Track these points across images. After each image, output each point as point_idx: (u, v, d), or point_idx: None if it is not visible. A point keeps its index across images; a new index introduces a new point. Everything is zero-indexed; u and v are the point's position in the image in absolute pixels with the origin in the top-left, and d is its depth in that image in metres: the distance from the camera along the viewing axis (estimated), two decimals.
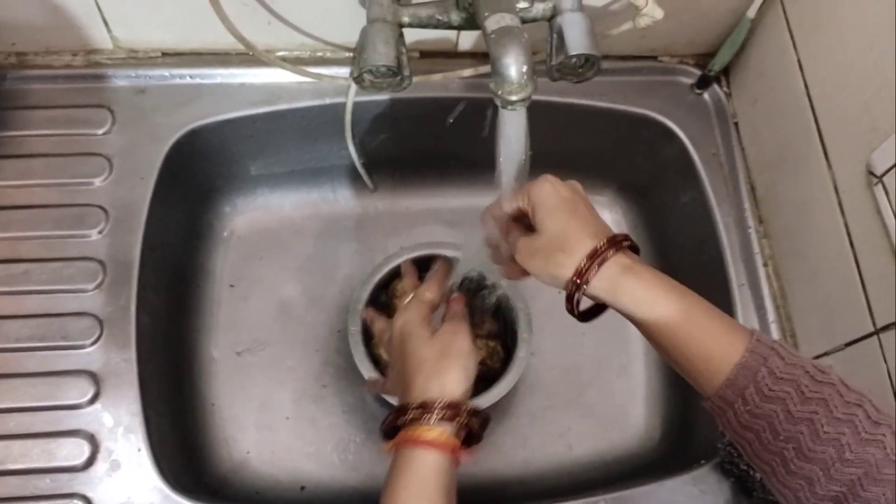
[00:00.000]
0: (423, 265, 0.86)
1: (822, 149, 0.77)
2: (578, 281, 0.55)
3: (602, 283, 0.55)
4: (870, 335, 0.71)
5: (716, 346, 0.53)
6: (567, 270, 0.55)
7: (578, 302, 0.57)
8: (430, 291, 0.71)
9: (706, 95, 0.95)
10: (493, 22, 0.58)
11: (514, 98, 0.55)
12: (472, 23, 0.71)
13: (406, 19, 0.71)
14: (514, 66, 0.55)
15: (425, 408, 0.58)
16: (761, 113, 0.89)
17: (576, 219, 0.58)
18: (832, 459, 0.47)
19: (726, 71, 0.95)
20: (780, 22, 0.82)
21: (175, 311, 0.91)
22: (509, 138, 0.58)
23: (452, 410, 0.58)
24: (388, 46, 0.68)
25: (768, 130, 0.88)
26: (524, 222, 0.62)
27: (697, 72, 0.95)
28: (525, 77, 0.55)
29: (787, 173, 0.84)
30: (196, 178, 0.93)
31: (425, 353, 0.63)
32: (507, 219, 0.64)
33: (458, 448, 0.58)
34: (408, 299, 0.72)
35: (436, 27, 0.72)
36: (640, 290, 0.55)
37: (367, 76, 0.71)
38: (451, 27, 0.72)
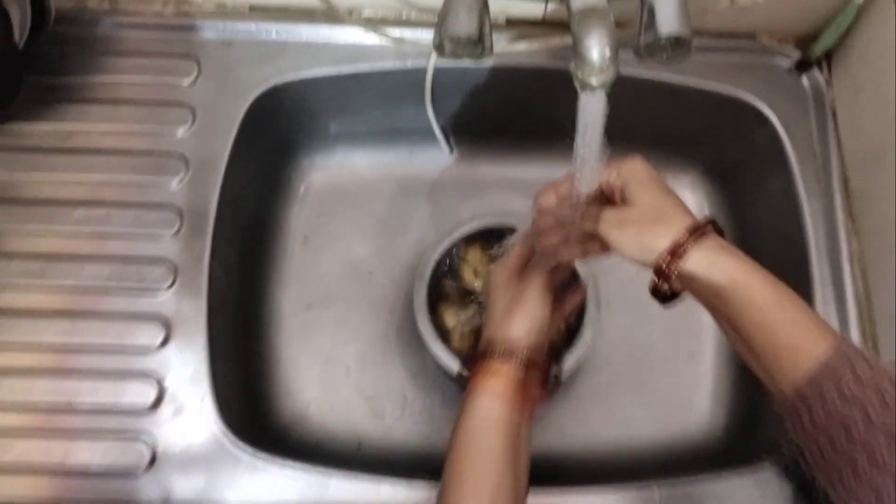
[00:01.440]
0: (493, 236, 0.85)
1: None
2: (677, 251, 0.53)
3: (700, 256, 0.53)
4: None
5: (803, 339, 0.51)
6: (664, 241, 0.54)
7: (671, 276, 0.54)
8: (520, 246, 0.72)
9: (804, 80, 0.90)
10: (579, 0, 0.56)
11: (593, 81, 0.53)
12: None
13: None
14: (596, 48, 0.53)
15: (487, 349, 0.62)
16: (864, 103, 0.84)
17: (672, 195, 0.57)
18: None
19: (828, 56, 0.90)
20: (889, 9, 0.77)
21: (248, 262, 0.92)
22: (587, 121, 0.56)
23: (509, 352, 0.61)
24: (471, 15, 0.66)
25: (870, 123, 0.83)
26: (600, 201, 0.61)
27: (796, 54, 0.90)
28: (607, 61, 0.52)
29: (885, 170, 0.79)
30: (276, 133, 0.93)
31: (499, 303, 0.67)
32: (578, 197, 0.62)
33: (516, 389, 0.60)
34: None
35: None
36: (737, 271, 0.53)
37: (447, 44, 0.69)
38: None
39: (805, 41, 0.90)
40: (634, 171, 0.58)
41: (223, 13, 0.89)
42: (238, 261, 0.89)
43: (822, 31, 0.86)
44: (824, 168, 0.87)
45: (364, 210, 1.01)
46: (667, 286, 0.56)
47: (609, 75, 0.53)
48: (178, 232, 0.81)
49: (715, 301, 0.55)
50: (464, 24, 0.66)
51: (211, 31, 0.89)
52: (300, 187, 1.01)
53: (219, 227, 0.82)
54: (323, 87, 0.89)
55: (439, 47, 0.69)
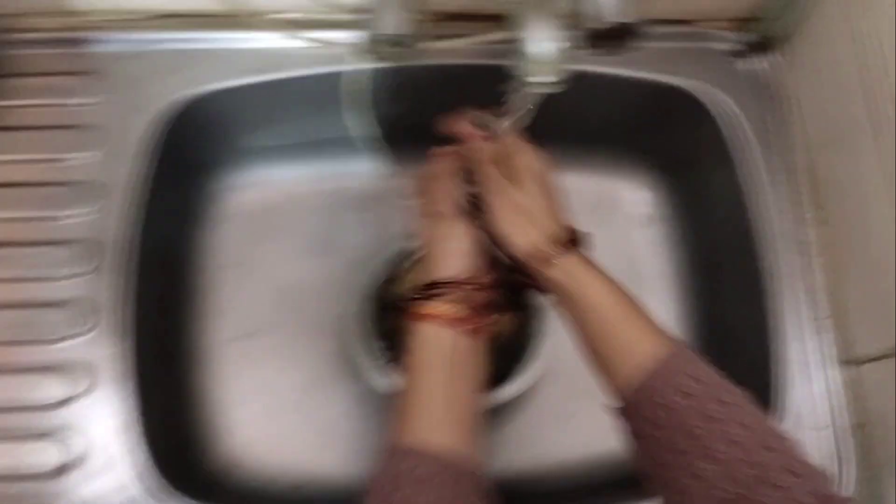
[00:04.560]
0: None
1: None
2: (545, 257, 0.58)
3: (564, 262, 0.58)
4: None
5: (639, 342, 0.55)
6: (541, 238, 0.59)
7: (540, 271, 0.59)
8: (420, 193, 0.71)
9: (753, 65, 0.86)
10: None
11: (542, 79, 0.48)
12: None
13: None
14: (544, 41, 0.47)
15: (426, 289, 0.62)
16: (822, 84, 0.80)
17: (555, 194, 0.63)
18: (734, 460, 0.47)
19: (777, 39, 0.86)
20: None
21: (172, 296, 0.86)
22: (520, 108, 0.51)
23: (441, 293, 0.61)
24: (402, 11, 0.62)
25: (831, 104, 0.79)
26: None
27: (740, 38, 0.86)
28: (556, 55, 0.47)
29: (850, 154, 0.76)
30: (191, 151, 0.87)
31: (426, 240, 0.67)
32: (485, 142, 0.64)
33: (464, 318, 0.60)
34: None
35: None
36: (586, 280, 0.58)
37: (376, 44, 0.64)
38: None
39: (747, 24, 0.86)
40: (534, 160, 0.62)
41: (124, 23, 0.82)
42: (160, 296, 0.83)
43: (766, 12, 0.83)
44: (784, 157, 0.83)
45: (292, 230, 0.95)
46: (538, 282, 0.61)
47: (559, 70, 0.48)
48: (91, 269, 0.74)
49: (565, 305, 0.60)
50: (393, 22, 0.62)
51: (112, 43, 0.82)
52: (222, 209, 0.95)
53: (136, 260, 0.76)
54: (238, 98, 0.83)
55: (367, 48, 0.64)
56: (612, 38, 0.61)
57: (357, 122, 0.85)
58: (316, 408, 0.88)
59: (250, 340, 0.90)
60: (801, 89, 0.85)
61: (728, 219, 0.88)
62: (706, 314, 0.95)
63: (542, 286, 0.62)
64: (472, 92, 0.80)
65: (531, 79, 0.47)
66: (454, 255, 0.64)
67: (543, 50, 0.47)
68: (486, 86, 0.71)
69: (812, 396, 0.76)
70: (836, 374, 0.77)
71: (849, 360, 0.77)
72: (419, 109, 0.88)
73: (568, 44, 0.48)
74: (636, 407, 0.54)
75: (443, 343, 0.60)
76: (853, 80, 0.75)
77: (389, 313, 0.84)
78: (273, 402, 0.88)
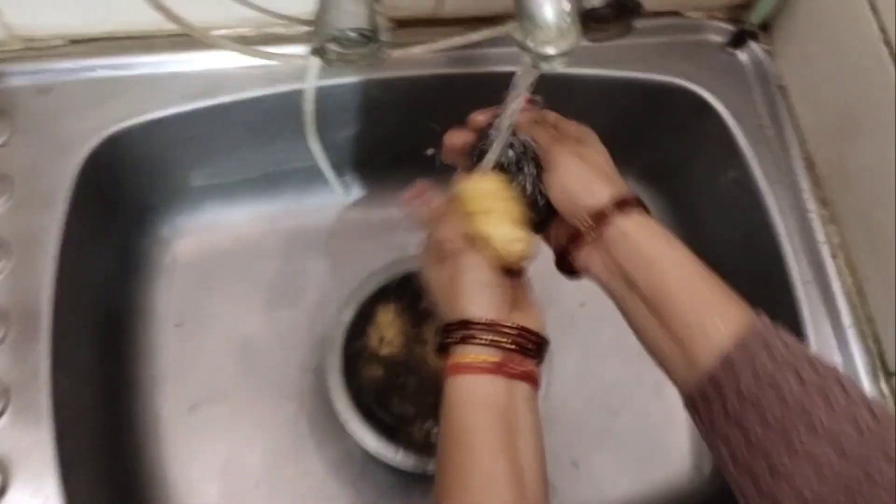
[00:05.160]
0: (411, 283, 0.75)
1: None
2: (621, 205, 0.53)
3: (637, 217, 0.54)
4: None
5: (716, 316, 0.49)
6: (608, 192, 0.54)
7: (605, 227, 0.54)
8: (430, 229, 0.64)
9: (743, 55, 0.80)
10: None
11: (551, 51, 0.38)
12: None
13: None
14: (550, 3, 0.38)
15: (458, 328, 0.54)
16: (819, 71, 0.74)
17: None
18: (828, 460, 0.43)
19: (765, 26, 0.80)
20: None
21: (107, 364, 0.76)
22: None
23: (492, 330, 0.54)
24: (358, 4, 0.53)
25: (831, 92, 0.73)
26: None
27: (730, 28, 0.80)
28: (568, 19, 0.38)
29: (858, 142, 0.69)
30: (123, 195, 0.78)
31: (439, 290, 0.59)
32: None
33: (510, 367, 0.53)
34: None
35: None
36: (663, 240, 0.53)
37: (331, 46, 0.55)
38: None
39: (737, 12, 0.81)
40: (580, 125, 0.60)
41: (35, 52, 0.72)
42: (94, 364, 0.73)
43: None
44: (782, 152, 0.77)
45: (249, 276, 0.87)
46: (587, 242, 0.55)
47: (570, 40, 0.39)
48: (1, 341, 0.62)
49: (634, 271, 0.53)
50: (350, 14, 0.53)
51: (22, 76, 0.71)
52: (165, 259, 0.86)
53: (59, 325, 0.65)
54: (175, 128, 0.73)
55: (320, 51, 0.55)
56: (610, 19, 0.54)
57: (319, 147, 0.76)
58: (286, 481, 0.79)
59: (206, 409, 0.81)
60: (791, 77, 0.80)
61: (737, 225, 0.81)
62: None
63: (581, 263, 0.57)
64: (450, 104, 0.74)
65: (536, 49, 0.38)
66: (478, 289, 0.56)
67: (557, 11, 0.37)
68: (464, 96, 0.65)
69: None
70: (869, 389, 0.70)
71: (883, 373, 0.71)
72: (385, 130, 0.83)
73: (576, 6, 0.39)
74: (708, 395, 0.48)
75: (494, 393, 0.52)
76: (852, 61, 0.69)
77: (362, 364, 0.78)
78: (236, 480, 0.78)
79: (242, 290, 0.86)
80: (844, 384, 0.45)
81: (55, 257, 0.66)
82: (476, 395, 0.52)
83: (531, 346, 0.55)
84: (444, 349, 0.55)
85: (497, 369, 0.53)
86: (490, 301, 0.55)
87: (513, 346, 0.54)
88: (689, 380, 0.50)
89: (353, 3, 0.52)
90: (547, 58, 0.39)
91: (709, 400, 0.48)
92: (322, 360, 0.76)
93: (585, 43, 0.46)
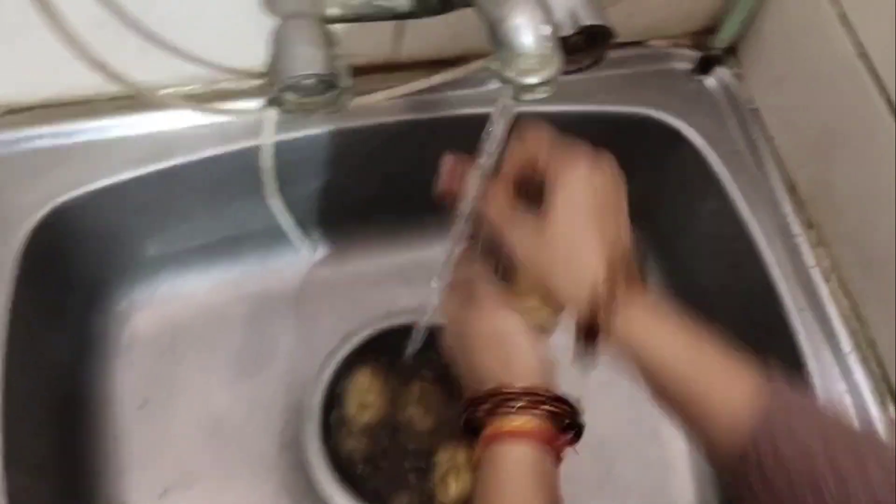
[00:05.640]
0: (388, 341, 0.74)
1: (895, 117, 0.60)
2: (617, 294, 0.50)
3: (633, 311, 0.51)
4: None
5: (729, 400, 0.48)
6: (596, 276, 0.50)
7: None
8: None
9: (710, 81, 0.79)
10: None
11: (533, 80, 0.35)
12: (426, 4, 0.52)
13: (334, 10, 0.53)
14: (529, 27, 0.35)
15: (500, 396, 0.52)
16: (792, 91, 0.73)
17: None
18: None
19: (732, 49, 0.80)
20: None
21: (67, 454, 0.72)
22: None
23: (531, 396, 0.52)
24: (315, 47, 0.50)
25: (806, 111, 0.72)
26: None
27: (695, 54, 0.79)
28: (549, 44, 0.35)
29: (839, 160, 0.68)
30: (74, 270, 0.74)
31: (475, 354, 0.56)
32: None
33: (551, 437, 0.51)
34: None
35: (375, 18, 0.54)
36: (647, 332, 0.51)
37: (288, 96, 0.52)
38: (395, 16, 0.55)
39: (702, 37, 0.80)
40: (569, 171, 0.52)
41: None
42: (51, 456, 0.69)
43: (719, 21, 0.76)
44: (761, 176, 0.76)
45: (214, 348, 0.84)
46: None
47: (554, 67, 0.36)
48: None
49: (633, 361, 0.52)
50: (307, 59, 0.50)
51: None
52: (123, 335, 0.82)
53: (11, 416, 0.61)
54: (125, 196, 0.70)
55: (277, 101, 0.52)
56: (582, 48, 0.52)
57: (280, 205, 0.73)
58: None
59: (177, 494, 0.76)
60: (764, 99, 0.79)
61: (723, 258, 0.79)
62: None
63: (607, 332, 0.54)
64: (412, 150, 0.71)
65: (518, 79, 0.35)
66: (518, 351, 0.54)
67: (536, 36, 0.34)
68: (428, 141, 0.64)
69: None
70: (878, 415, 0.67)
71: (890, 397, 0.68)
72: (348, 183, 0.80)
73: (555, 32, 0.36)
74: (746, 468, 0.46)
75: (538, 464, 0.50)
76: (827, 78, 0.68)
77: (343, 435, 0.75)
78: None
79: (208, 363, 0.83)
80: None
81: (3, 341, 0.62)
82: (523, 462, 0.50)
83: (568, 417, 0.53)
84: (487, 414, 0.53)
85: (552, 438, 0.51)
86: (530, 362, 0.54)
87: (562, 415, 0.52)
88: (718, 461, 0.49)
89: (308, 47, 0.49)
90: (530, 88, 0.36)
91: (746, 472, 0.47)
92: (299, 432, 0.72)
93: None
